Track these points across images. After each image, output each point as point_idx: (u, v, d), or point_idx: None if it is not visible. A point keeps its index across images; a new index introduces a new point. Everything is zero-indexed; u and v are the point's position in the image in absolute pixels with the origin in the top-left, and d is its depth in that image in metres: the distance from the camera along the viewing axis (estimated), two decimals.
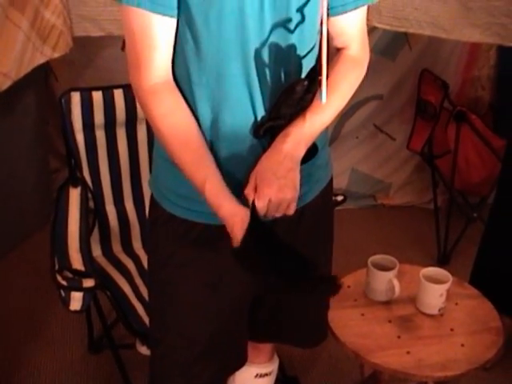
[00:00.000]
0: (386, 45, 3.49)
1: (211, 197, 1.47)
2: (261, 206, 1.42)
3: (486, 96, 3.68)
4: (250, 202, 1.44)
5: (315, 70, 1.52)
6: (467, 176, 3.45)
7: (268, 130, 1.48)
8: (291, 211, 1.46)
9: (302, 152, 1.48)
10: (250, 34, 1.42)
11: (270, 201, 1.42)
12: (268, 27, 1.43)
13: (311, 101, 1.49)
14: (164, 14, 1.40)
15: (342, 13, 1.54)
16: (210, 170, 1.48)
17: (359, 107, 3.65)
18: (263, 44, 1.44)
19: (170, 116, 1.47)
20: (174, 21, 1.43)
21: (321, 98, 1.43)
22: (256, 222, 1.44)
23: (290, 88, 1.44)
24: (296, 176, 1.46)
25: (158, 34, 1.42)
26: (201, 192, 1.48)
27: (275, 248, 1.48)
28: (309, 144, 1.50)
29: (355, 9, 1.55)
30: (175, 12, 1.42)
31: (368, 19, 1.63)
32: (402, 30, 2.91)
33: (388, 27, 2.88)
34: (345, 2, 1.53)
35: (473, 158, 3.40)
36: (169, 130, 1.47)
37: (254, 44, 1.43)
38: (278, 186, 1.42)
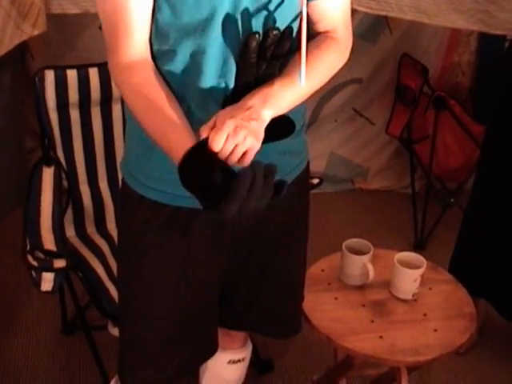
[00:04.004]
0: (367, 28, 3.46)
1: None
2: (217, 139, 1.29)
3: (465, 82, 3.67)
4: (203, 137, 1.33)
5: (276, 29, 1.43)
6: (445, 161, 3.45)
7: (236, 99, 1.41)
8: (247, 162, 1.33)
9: (267, 112, 1.37)
10: (228, 16, 1.38)
11: (226, 139, 1.31)
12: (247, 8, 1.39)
13: (280, 69, 1.44)
14: None
15: None
16: (188, 135, 1.39)
17: (338, 90, 3.63)
18: (242, 26, 1.41)
19: (145, 85, 1.42)
20: None
21: (299, 80, 1.39)
22: (202, 153, 1.31)
23: (243, 46, 1.39)
24: (259, 127, 1.35)
25: (134, 13, 1.39)
26: (173, 156, 1.38)
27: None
28: (277, 110, 1.40)
29: None
30: None
31: None
32: (383, 13, 2.88)
33: (368, 10, 2.85)
34: None
35: (451, 143, 3.40)
36: (142, 97, 1.42)
37: (232, 25, 1.40)
38: (239, 125, 1.32)
